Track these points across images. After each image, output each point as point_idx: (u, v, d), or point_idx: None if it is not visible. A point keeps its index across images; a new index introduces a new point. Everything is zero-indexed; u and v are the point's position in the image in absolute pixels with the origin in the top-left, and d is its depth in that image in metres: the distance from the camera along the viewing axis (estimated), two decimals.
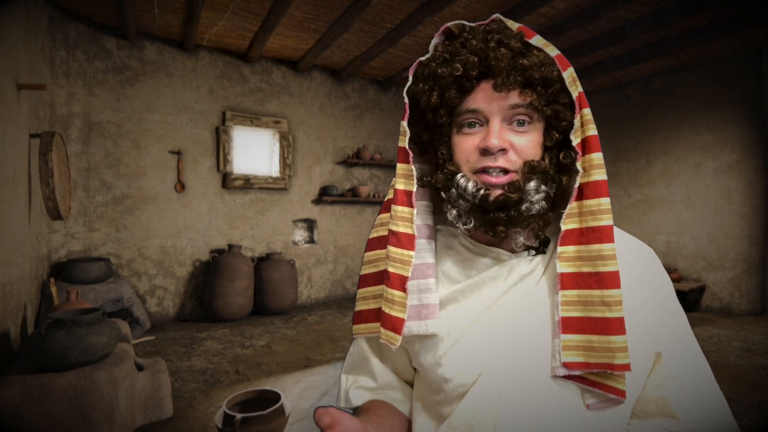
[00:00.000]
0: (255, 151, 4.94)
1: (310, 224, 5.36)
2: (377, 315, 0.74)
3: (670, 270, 4.98)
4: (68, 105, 3.86)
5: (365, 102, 5.66)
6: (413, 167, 0.68)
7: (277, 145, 4.97)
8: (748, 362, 3.18)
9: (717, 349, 3.47)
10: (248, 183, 4.77)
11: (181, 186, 4.39)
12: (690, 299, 4.84)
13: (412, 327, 0.68)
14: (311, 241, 5.35)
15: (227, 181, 4.64)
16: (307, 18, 3.93)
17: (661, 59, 4.77)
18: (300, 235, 5.31)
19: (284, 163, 5.00)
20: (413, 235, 0.69)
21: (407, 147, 0.67)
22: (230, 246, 4.40)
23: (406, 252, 0.69)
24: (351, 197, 5.35)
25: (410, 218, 0.69)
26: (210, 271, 4.30)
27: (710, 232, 4.86)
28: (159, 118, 4.31)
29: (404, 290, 0.68)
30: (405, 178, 0.69)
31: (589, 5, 3.61)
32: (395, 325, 0.68)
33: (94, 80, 3.99)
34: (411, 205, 0.69)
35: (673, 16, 3.66)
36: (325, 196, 5.19)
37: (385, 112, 5.82)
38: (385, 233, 0.74)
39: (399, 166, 0.70)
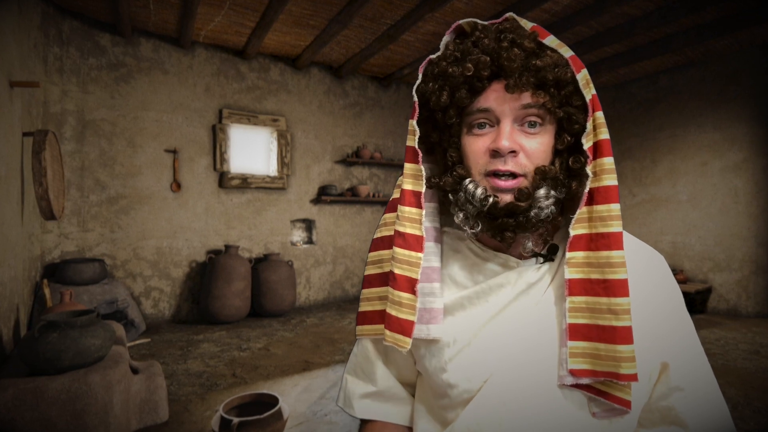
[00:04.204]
0: (252, 150, 4.88)
1: (308, 224, 5.30)
2: (382, 316, 0.74)
3: (676, 271, 4.94)
4: (62, 103, 3.80)
5: (365, 100, 5.60)
6: (422, 167, 0.67)
7: (275, 143, 4.91)
8: (755, 365, 3.14)
9: (724, 352, 3.42)
10: (245, 182, 4.71)
11: (177, 185, 4.33)
12: (696, 301, 4.79)
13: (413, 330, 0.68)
14: (310, 241, 5.29)
15: (224, 180, 4.58)
16: (306, 14, 3.87)
17: (667, 56, 4.74)
18: (298, 235, 5.25)
19: (282, 162, 4.94)
20: (421, 236, 0.68)
21: (416, 147, 0.66)
22: (227, 246, 4.34)
23: (414, 254, 0.68)
24: (350, 197, 5.29)
25: (418, 219, 0.68)
26: (206, 273, 4.24)
27: (717, 233, 4.81)
28: (154, 116, 4.24)
29: (413, 292, 0.67)
30: (413, 178, 0.68)
31: (593, 1, 3.57)
32: (404, 327, 0.67)
33: (89, 77, 3.93)
34: (419, 206, 0.68)
35: (678, 13, 3.61)
36: (323, 195, 5.13)
37: (386, 110, 5.74)
38: (390, 233, 0.74)
39: (407, 165, 0.69)
